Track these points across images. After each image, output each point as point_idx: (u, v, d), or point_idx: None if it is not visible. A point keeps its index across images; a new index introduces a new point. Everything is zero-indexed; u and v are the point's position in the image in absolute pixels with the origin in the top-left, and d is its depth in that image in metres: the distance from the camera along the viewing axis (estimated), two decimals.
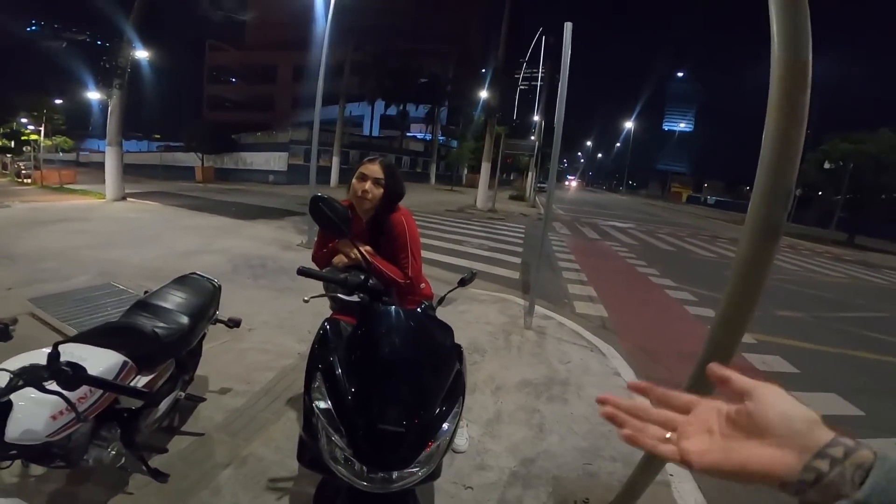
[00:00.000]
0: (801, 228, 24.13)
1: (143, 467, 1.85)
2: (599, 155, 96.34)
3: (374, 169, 1.82)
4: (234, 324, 2.41)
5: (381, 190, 1.82)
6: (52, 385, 1.23)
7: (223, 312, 2.45)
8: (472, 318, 4.46)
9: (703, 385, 1.49)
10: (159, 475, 1.87)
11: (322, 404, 1.20)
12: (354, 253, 1.66)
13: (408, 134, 40.17)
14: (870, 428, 3.16)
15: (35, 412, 1.29)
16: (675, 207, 42.55)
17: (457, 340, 1.51)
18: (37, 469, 1.81)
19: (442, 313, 1.75)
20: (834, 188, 21.07)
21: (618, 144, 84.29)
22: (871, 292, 8.86)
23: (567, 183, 77.96)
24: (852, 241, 20.24)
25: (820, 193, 25.47)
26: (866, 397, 3.59)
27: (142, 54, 12.06)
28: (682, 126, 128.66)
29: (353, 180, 1.84)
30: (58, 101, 22.14)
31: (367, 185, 1.80)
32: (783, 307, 6.28)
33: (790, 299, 6.95)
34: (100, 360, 1.50)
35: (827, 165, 20.39)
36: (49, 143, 21.88)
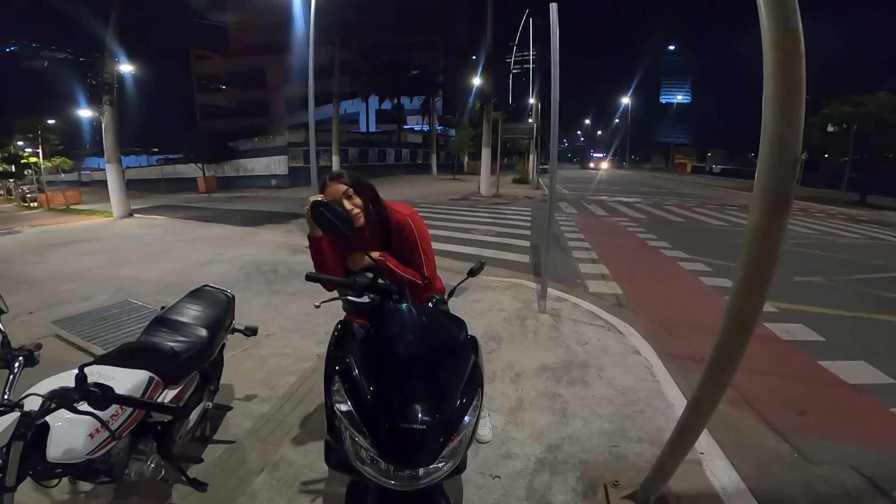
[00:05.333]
0: (811, 191, 23.66)
1: (183, 478, 1.90)
2: (599, 132, 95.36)
3: (338, 188, 1.75)
4: (251, 332, 2.44)
5: (357, 198, 1.77)
6: (84, 406, 1.26)
7: (240, 320, 2.49)
8: (486, 306, 4.47)
9: (725, 360, 1.49)
10: (199, 485, 1.92)
11: (343, 407, 1.21)
12: (369, 262, 1.67)
13: (405, 127, 40.02)
14: None
15: (72, 432, 1.35)
16: (680, 178, 42.03)
17: (472, 329, 1.52)
18: (84, 486, 1.87)
19: (455, 303, 1.75)
20: (840, 150, 20.81)
21: (616, 120, 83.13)
22: (890, 252, 8.56)
23: (593, 164, 64.15)
24: (864, 201, 19.86)
25: (826, 156, 25.11)
26: None
27: (126, 68, 12.05)
28: (680, 98, 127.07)
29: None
30: (51, 122, 22.13)
31: (347, 204, 1.74)
32: (802, 273, 6.18)
33: (808, 264, 6.84)
34: (126, 379, 1.55)
35: (830, 128, 20.17)
36: (49, 164, 22.01)
